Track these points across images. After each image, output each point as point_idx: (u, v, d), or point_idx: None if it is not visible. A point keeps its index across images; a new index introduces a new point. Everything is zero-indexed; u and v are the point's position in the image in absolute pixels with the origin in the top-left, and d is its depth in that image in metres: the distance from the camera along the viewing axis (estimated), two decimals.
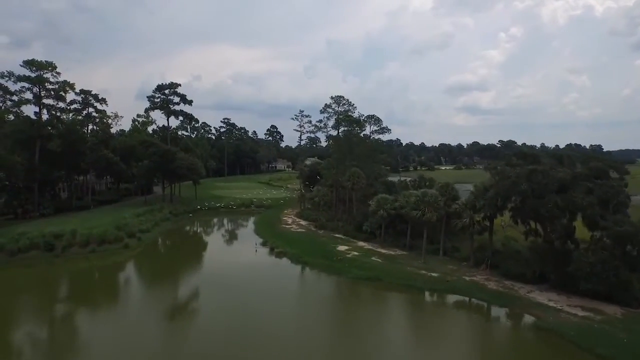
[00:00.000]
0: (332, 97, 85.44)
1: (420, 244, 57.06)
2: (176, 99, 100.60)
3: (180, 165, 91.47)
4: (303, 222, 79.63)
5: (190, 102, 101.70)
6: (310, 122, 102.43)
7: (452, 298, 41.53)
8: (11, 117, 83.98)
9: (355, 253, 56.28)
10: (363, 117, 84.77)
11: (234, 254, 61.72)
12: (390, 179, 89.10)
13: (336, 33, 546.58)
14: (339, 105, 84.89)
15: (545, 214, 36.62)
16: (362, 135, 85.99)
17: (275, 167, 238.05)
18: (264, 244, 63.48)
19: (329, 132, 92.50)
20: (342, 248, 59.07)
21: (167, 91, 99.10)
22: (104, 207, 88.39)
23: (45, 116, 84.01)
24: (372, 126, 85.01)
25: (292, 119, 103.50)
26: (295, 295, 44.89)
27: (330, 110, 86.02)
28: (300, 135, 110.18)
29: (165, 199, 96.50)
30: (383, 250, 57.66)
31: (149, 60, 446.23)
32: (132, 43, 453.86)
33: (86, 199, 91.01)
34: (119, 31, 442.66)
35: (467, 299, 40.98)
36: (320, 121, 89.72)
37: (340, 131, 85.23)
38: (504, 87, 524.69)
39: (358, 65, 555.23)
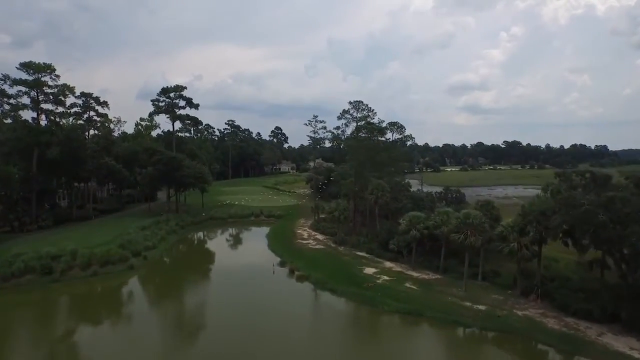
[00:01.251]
0: (350, 102, 79.98)
1: (455, 265, 52.19)
2: (182, 103, 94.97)
3: (187, 174, 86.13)
4: (320, 237, 74.15)
5: (196, 106, 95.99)
6: (324, 127, 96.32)
7: (506, 337, 36.16)
8: (9, 120, 78.41)
9: (386, 277, 50.98)
10: (385, 124, 79.28)
11: (250, 276, 55.67)
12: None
13: (337, 32, 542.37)
14: (357, 110, 79.20)
15: (629, 248, 31.43)
16: (381, 141, 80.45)
17: (279, 169, 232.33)
18: (281, 264, 58.27)
19: (344, 137, 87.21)
20: (369, 271, 53.77)
21: (172, 94, 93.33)
22: (106, 218, 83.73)
23: (43, 122, 78.71)
24: (394, 134, 79.57)
25: (306, 124, 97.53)
26: (328, 335, 39.32)
27: (348, 116, 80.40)
28: (314, 141, 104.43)
29: (170, 208, 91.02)
30: (415, 274, 52.40)
31: (150, 59, 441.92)
32: (133, 43, 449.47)
33: (87, 208, 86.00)
34: (120, 31, 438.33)
35: (525, 340, 35.63)
36: (338, 127, 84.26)
37: (358, 137, 79.69)
38: (505, 86, 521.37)
39: (359, 64, 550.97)
